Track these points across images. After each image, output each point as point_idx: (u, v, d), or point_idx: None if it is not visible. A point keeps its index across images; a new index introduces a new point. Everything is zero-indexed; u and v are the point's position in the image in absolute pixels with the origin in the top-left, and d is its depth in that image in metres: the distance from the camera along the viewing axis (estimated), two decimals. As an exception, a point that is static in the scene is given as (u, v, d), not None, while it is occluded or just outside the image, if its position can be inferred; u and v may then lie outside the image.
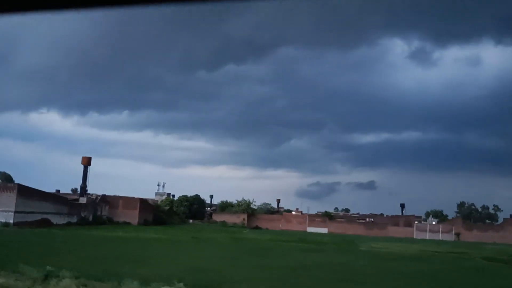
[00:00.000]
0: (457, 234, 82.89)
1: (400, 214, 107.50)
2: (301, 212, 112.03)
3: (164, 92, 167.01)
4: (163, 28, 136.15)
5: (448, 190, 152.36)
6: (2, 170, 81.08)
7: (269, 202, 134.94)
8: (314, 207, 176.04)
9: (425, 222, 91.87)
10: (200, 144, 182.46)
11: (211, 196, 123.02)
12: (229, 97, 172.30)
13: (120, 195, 70.31)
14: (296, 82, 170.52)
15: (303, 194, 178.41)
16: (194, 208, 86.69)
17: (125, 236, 42.23)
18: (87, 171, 63.89)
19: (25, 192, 48.01)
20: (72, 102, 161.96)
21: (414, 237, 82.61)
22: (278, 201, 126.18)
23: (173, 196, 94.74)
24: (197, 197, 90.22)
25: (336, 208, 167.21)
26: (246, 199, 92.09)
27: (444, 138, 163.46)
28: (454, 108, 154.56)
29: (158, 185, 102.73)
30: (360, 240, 58.31)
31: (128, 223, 63.39)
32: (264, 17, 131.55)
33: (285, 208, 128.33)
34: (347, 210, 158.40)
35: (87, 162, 64.44)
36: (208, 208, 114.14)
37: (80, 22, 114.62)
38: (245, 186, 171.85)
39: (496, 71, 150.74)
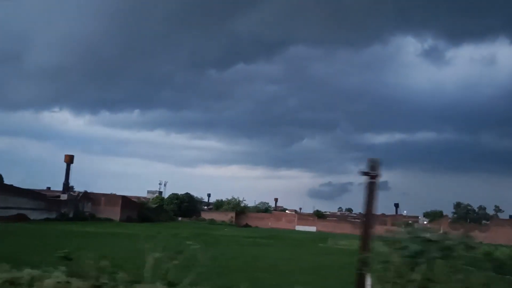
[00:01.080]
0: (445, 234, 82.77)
1: (395, 213, 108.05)
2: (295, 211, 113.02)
3: (175, 91, 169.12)
4: (172, 26, 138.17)
5: (461, 191, 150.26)
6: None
7: (267, 201, 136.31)
8: (322, 207, 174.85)
9: (412, 222, 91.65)
10: (211, 143, 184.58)
11: (209, 195, 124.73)
12: (241, 96, 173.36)
13: (125, 194, 72.63)
14: (307, 81, 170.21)
15: (315, 194, 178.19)
16: (184, 206, 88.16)
17: (88, 230, 43.68)
18: (69, 169, 65.91)
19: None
20: (84, 101, 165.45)
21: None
22: (276, 200, 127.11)
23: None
24: (187, 195, 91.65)
25: (340, 207, 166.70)
26: (236, 197, 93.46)
27: (459, 138, 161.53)
28: (469, 108, 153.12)
29: (159, 184, 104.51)
30: (334, 238, 59.11)
31: (110, 220, 65.10)
32: (272, 15, 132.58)
33: (284, 207, 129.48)
34: (350, 209, 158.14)
35: (69, 160, 66.42)
36: (205, 207, 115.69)
37: (90, 20, 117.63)
38: (257, 186, 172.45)
39: (511, 71, 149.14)
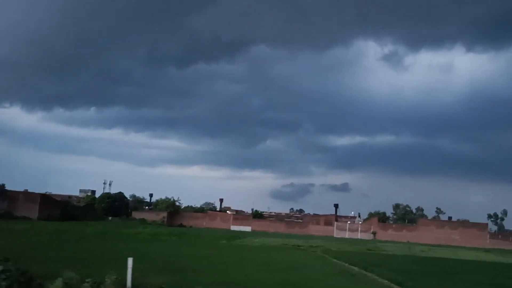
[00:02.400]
0: (374, 233, 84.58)
1: (334, 213, 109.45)
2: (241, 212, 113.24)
3: (134, 88, 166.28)
4: (129, 20, 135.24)
5: (417, 192, 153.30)
6: None
7: (212, 202, 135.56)
8: (281, 208, 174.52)
9: (347, 222, 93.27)
10: (173, 142, 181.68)
11: (151, 195, 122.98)
12: (203, 95, 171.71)
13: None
14: (270, 82, 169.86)
15: (277, 195, 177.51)
16: (116, 205, 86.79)
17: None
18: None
19: None
20: (36, 97, 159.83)
21: (334, 236, 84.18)
22: (221, 200, 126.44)
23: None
24: (120, 195, 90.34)
25: (292, 208, 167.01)
26: (169, 197, 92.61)
27: (417, 142, 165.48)
28: (426, 113, 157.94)
29: (104, 183, 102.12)
30: (256, 236, 59.64)
31: (27, 218, 63.29)
32: (231, 13, 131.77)
33: (233, 208, 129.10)
34: (301, 210, 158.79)
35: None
36: (147, 207, 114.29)
37: (42, 12, 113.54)
38: (220, 187, 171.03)
39: (467, 78, 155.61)
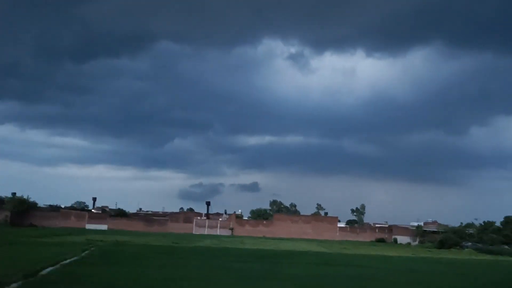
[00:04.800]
0: (231, 229, 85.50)
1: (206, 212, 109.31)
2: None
3: (26, 81, 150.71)
4: (13, 7, 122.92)
5: (323, 191, 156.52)
6: None
7: (83, 201, 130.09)
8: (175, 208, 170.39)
9: (204, 218, 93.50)
10: (75, 141, 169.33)
11: (13, 194, 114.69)
12: (105, 92, 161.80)
13: None
14: (177, 79, 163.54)
15: (185, 195, 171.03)
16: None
17: None
18: None
19: None
20: None
21: (193, 233, 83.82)
22: (94, 199, 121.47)
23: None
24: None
25: (182, 208, 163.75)
26: (19, 194, 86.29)
27: (324, 142, 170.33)
28: (331, 115, 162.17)
29: None
30: (88, 234, 57.00)
31: None
32: (125, 6, 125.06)
33: (110, 207, 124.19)
34: (191, 209, 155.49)
35: None
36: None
37: None
38: (125, 187, 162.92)
39: (368, 82, 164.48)
